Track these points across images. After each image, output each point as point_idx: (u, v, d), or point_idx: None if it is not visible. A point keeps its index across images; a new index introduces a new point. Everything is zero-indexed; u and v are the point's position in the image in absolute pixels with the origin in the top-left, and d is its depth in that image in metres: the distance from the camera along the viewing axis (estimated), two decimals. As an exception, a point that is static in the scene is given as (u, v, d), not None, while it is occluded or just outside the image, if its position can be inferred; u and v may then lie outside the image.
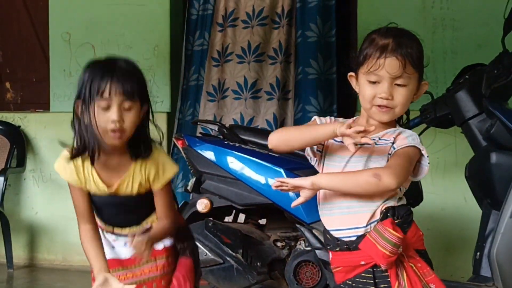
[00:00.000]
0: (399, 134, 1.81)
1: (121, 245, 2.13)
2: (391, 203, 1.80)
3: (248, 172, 3.00)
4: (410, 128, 3.17)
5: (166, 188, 2.08)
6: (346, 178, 1.77)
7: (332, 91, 4.49)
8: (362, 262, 1.78)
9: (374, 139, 1.78)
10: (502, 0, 3.01)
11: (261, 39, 4.57)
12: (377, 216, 1.78)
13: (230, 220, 3.29)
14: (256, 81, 4.55)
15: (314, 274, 2.97)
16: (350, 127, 1.69)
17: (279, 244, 3.05)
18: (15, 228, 4.87)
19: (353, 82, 1.89)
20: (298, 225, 2.95)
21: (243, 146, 3.07)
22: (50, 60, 5.14)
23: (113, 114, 1.89)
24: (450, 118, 3.13)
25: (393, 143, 1.79)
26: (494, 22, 3.12)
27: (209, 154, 3.07)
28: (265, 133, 3.13)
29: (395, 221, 1.75)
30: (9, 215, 4.80)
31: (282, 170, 2.94)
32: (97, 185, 2.01)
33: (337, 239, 1.83)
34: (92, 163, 1.99)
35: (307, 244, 2.95)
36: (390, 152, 1.78)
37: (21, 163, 4.97)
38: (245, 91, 4.55)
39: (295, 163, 2.97)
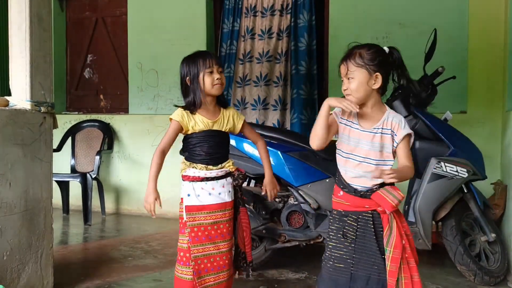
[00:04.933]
0: (392, 123, 1.81)
1: (206, 194, 2.06)
2: None
3: (257, 153, 2.95)
4: None
5: (245, 123, 2.21)
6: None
7: (314, 106, 4.45)
8: (366, 206, 1.79)
9: (379, 129, 1.80)
10: (424, 41, 3.02)
11: (268, 70, 4.53)
12: (380, 180, 1.77)
13: (246, 185, 3.28)
14: (266, 98, 4.51)
15: (299, 219, 2.96)
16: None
17: (277, 200, 3.03)
18: (106, 189, 4.91)
19: None
20: (289, 187, 2.94)
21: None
22: (129, 80, 5.14)
23: (216, 75, 2.07)
24: (389, 119, 3.10)
25: (393, 131, 1.80)
26: (419, 56, 3.07)
27: (232, 142, 3.04)
28: (270, 129, 3.12)
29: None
30: (102, 181, 4.84)
31: (279, 152, 2.91)
32: (204, 122, 2.06)
33: (354, 188, 1.82)
34: (196, 111, 2.07)
35: (295, 200, 2.94)
36: (394, 140, 1.80)
37: (110, 147, 4.98)
38: (259, 105, 4.53)
39: (288, 147, 2.94)
